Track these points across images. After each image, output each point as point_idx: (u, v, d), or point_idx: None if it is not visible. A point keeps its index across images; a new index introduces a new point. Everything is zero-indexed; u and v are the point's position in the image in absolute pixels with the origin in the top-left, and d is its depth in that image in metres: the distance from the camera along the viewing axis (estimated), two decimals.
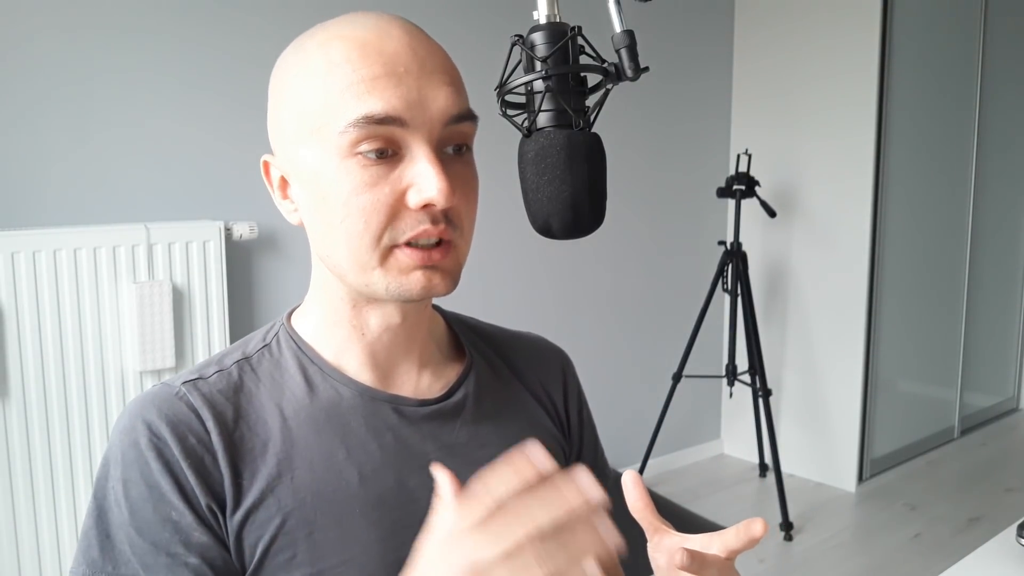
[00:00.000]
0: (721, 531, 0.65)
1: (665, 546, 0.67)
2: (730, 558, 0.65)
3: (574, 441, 0.88)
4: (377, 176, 0.65)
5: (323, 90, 0.65)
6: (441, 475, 0.53)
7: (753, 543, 0.63)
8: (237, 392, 0.71)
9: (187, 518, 0.64)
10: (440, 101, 0.66)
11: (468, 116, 0.68)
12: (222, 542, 0.66)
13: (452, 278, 0.69)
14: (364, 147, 0.64)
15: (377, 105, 0.63)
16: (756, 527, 0.62)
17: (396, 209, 0.65)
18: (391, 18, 0.68)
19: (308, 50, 0.67)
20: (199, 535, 0.65)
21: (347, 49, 0.65)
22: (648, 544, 0.69)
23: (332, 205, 0.66)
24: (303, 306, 0.77)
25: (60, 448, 1.79)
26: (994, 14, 3.52)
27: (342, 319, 0.73)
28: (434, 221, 0.66)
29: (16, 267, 1.72)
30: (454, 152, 0.68)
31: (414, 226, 0.66)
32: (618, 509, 0.93)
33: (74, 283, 1.79)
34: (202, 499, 0.65)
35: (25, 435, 1.76)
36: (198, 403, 0.68)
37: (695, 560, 0.61)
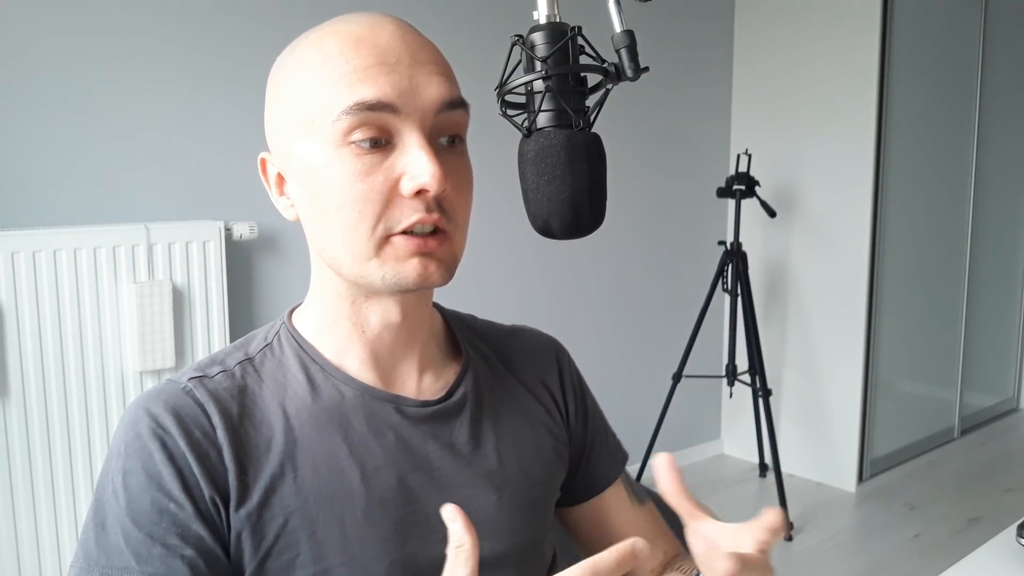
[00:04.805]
0: (747, 524, 0.62)
1: (703, 533, 0.64)
2: (764, 551, 0.62)
3: (577, 428, 0.88)
4: (371, 165, 0.65)
5: (316, 83, 0.66)
6: (448, 509, 0.55)
7: (775, 533, 0.60)
8: (242, 392, 0.71)
9: (186, 509, 0.64)
10: (431, 89, 0.66)
11: (459, 104, 0.68)
12: (220, 538, 0.66)
13: (448, 268, 0.69)
14: (357, 136, 0.65)
15: (369, 92, 0.64)
16: (769, 517, 0.60)
17: (390, 197, 0.66)
18: (384, 15, 0.70)
19: (303, 47, 0.69)
20: (197, 527, 0.64)
21: (341, 43, 0.66)
22: (686, 530, 0.67)
23: (326, 196, 0.66)
24: (304, 304, 0.77)
25: (60, 448, 1.79)
26: (994, 16, 3.52)
27: (342, 316, 0.73)
28: (428, 210, 0.66)
29: (16, 267, 1.72)
30: (447, 143, 0.69)
31: (410, 215, 0.66)
32: (640, 489, 0.93)
33: (74, 283, 1.79)
34: (206, 491, 0.65)
35: (25, 435, 1.76)
36: (204, 398, 0.68)
37: (742, 563, 0.58)
